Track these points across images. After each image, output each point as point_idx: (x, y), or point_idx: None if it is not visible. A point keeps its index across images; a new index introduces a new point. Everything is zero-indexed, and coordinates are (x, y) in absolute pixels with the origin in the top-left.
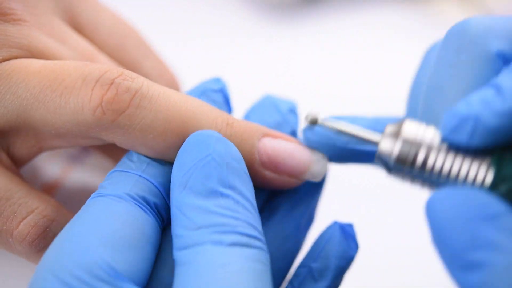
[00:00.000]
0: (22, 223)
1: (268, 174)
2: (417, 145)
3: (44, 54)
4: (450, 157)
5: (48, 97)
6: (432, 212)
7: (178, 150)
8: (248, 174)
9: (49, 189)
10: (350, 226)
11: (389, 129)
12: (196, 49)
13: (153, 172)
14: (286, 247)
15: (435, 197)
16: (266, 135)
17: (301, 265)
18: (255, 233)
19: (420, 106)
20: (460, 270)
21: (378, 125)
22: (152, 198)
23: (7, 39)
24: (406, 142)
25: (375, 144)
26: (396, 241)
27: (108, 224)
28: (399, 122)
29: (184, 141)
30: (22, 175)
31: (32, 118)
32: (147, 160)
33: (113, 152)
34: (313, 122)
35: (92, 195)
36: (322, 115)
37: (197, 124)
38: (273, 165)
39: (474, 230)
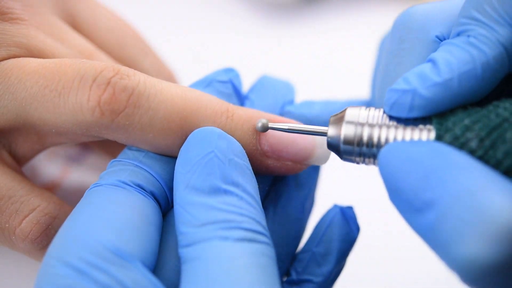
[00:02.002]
0: (24, 221)
1: (271, 163)
2: (360, 124)
3: (42, 52)
4: (392, 128)
5: (46, 97)
6: (384, 165)
7: (178, 146)
8: (251, 170)
9: (49, 189)
10: (350, 208)
11: (333, 118)
12: (194, 48)
13: (151, 162)
14: (294, 231)
15: (385, 150)
16: (264, 118)
17: (304, 250)
18: (259, 228)
19: (376, 95)
20: (414, 214)
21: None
22: (148, 187)
23: (5, 38)
24: (349, 124)
25: (324, 134)
26: (396, 222)
27: (109, 209)
28: (342, 111)
29: (184, 137)
30: (24, 174)
31: (32, 117)
32: (145, 150)
33: (113, 149)
34: (265, 128)
35: (91, 186)
36: (269, 122)
37: (196, 120)
38: (276, 154)
39: (423, 170)
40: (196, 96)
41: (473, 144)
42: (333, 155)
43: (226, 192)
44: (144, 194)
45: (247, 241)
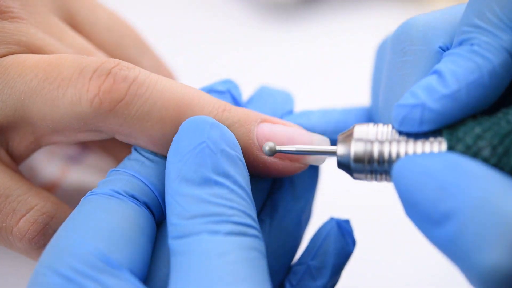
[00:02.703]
0: (21, 220)
1: (268, 159)
2: (369, 141)
3: (42, 50)
4: (403, 143)
5: (45, 89)
6: (398, 179)
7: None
8: (243, 161)
9: (48, 190)
10: (347, 222)
11: (341, 136)
12: (193, 48)
13: (147, 171)
14: (289, 243)
15: (398, 165)
16: (264, 120)
17: (299, 263)
18: (249, 221)
19: (379, 109)
20: (433, 226)
21: (348, 115)
22: (142, 197)
23: (5, 36)
24: (358, 141)
25: (333, 153)
26: (391, 236)
27: (100, 219)
28: (350, 129)
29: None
30: (22, 173)
31: (30, 112)
32: (143, 159)
33: (112, 150)
34: (273, 151)
35: (86, 194)
36: (276, 145)
37: (193, 110)
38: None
39: (439, 182)
40: (195, 90)
41: (486, 152)
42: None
43: (217, 183)
44: (137, 204)
45: (237, 235)
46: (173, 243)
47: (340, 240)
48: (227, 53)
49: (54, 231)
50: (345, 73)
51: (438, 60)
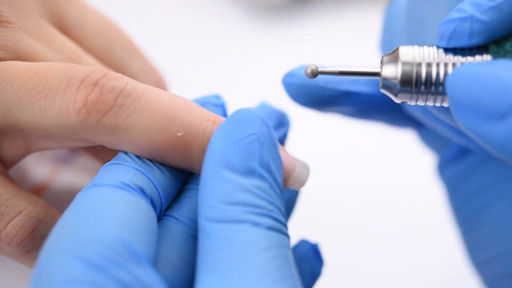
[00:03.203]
0: (10, 224)
1: None
2: (416, 62)
3: (30, 56)
4: (450, 62)
5: (33, 99)
6: (454, 85)
7: (164, 148)
8: (281, 160)
9: (37, 191)
10: (317, 245)
11: (386, 57)
12: (184, 51)
13: (149, 169)
14: None
15: (453, 73)
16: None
17: None
18: (283, 220)
19: (401, 43)
20: (497, 121)
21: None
22: (148, 191)
23: None
24: (405, 63)
25: (377, 75)
26: (359, 255)
27: (118, 208)
28: (393, 50)
29: (168, 137)
30: (10, 177)
31: (18, 121)
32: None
33: (101, 154)
34: (315, 74)
35: (87, 186)
36: (319, 66)
37: (182, 121)
38: None
39: (501, 77)
40: (184, 101)
41: None
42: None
43: (261, 176)
44: (146, 198)
45: (276, 231)
46: (211, 225)
47: (313, 263)
48: (218, 55)
49: (42, 235)
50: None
51: None
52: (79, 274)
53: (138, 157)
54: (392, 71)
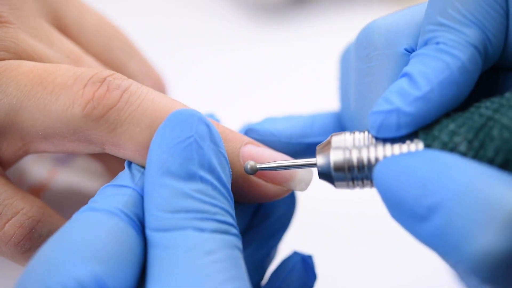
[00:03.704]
0: (7, 224)
1: (252, 177)
2: (347, 148)
3: (31, 56)
4: (380, 148)
5: (39, 93)
6: (380, 181)
7: None
8: (226, 157)
9: (36, 192)
10: (310, 257)
11: (319, 147)
12: (182, 51)
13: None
14: (255, 278)
15: (379, 167)
16: (250, 142)
17: None
18: (231, 220)
19: (352, 116)
20: (419, 223)
21: (314, 120)
22: (142, 214)
23: None
24: (336, 149)
25: (314, 165)
26: (355, 268)
27: (100, 239)
28: (327, 139)
29: None
30: (8, 177)
31: (21, 117)
32: (142, 170)
33: (101, 155)
34: (254, 170)
35: (83, 209)
36: (257, 163)
37: None
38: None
39: (420, 177)
40: (184, 105)
41: (462, 147)
42: (313, 185)
43: (201, 179)
44: (137, 226)
45: (221, 233)
46: (154, 235)
47: (303, 275)
48: (216, 55)
49: (40, 235)
50: (336, 73)
51: (405, 63)
52: None
53: (138, 170)
54: (325, 160)
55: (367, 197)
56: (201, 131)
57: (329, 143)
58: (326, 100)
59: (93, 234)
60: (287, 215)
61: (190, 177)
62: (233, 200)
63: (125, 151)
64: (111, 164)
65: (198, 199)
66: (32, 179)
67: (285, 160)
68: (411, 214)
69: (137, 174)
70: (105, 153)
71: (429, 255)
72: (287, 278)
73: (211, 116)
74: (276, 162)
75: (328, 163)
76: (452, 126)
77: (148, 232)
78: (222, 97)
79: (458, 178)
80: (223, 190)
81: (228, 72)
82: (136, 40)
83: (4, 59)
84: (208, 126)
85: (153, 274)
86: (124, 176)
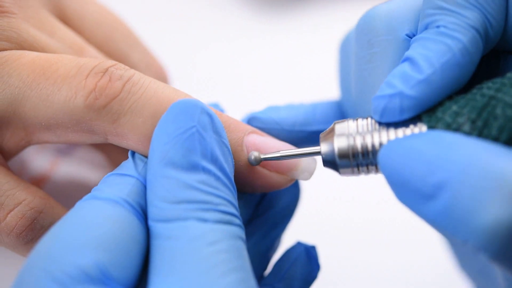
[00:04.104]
0: (9, 215)
1: (257, 168)
2: (351, 135)
3: (33, 46)
4: (384, 132)
5: (41, 84)
6: (385, 163)
7: None
8: (229, 147)
9: (38, 183)
10: (313, 248)
11: (323, 135)
12: (184, 41)
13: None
14: (259, 267)
15: (383, 150)
16: (253, 132)
17: (265, 283)
18: (234, 210)
19: (354, 103)
20: (426, 202)
21: (316, 108)
22: (143, 203)
23: None
24: (340, 137)
25: (318, 153)
26: (357, 259)
27: (104, 227)
28: (330, 127)
29: None
30: (10, 168)
31: (23, 108)
32: (145, 159)
33: (103, 145)
34: (258, 161)
35: (86, 197)
36: (261, 153)
37: None
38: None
39: (425, 156)
40: (185, 94)
41: (466, 127)
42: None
43: (204, 170)
44: (140, 215)
45: (225, 223)
46: (156, 226)
47: (307, 266)
48: (218, 45)
49: (42, 226)
50: (332, 68)
51: (406, 48)
52: None
53: (141, 163)
54: (329, 147)
55: (369, 187)
56: (204, 121)
57: (332, 130)
58: (327, 90)
59: (97, 222)
60: (291, 205)
61: (193, 167)
62: (236, 190)
63: (128, 141)
64: (113, 155)
65: (201, 190)
66: (33, 170)
67: (289, 149)
68: (417, 194)
69: (141, 164)
70: (108, 143)
71: (433, 246)
72: (290, 268)
73: (215, 105)
74: (280, 152)
75: (332, 151)
76: (455, 107)
77: (151, 223)
78: (224, 87)
79: (463, 155)
80: (226, 180)
81: (230, 62)
82: (138, 31)
83: (6, 49)
84: (210, 116)
85: (155, 264)
86: (127, 166)
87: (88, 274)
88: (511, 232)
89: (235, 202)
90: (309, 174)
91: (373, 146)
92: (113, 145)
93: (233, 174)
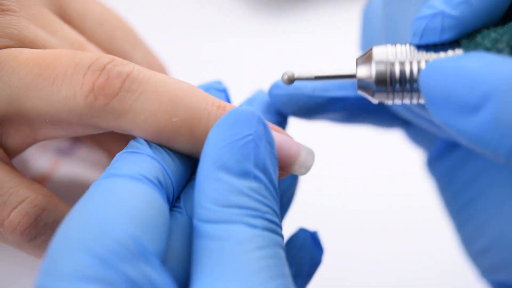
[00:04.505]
0: (13, 213)
1: None
2: (390, 61)
3: (34, 44)
4: (423, 56)
5: (40, 85)
6: (427, 80)
7: (169, 131)
8: (277, 159)
9: (39, 182)
10: (316, 233)
11: (360, 59)
12: (186, 41)
13: (161, 156)
14: None
15: (426, 69)
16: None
17: None
18: (278, 221)
19: (379, 41)
20: (470, 114)
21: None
22: (164, 182)
23: None
24: (379, 62)
25: (353, 76)
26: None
27: (133, 202)
28: (367, 51)
29: (174, 119)
30: (13, 166)
31: (25, 107)
32: (152, 143)
33: (104, 143)
34: (291, 80)
35: (104, 175)
36: (296, 71)
37: (187, 105)
38: None
39: (471, 70)
40: (189, 86)
41: (506, 52)
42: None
43: (256, 178)
44: (162, 191)
45: (271, 231)
46: (204, 226)
47: (313, 251)
48: (220, 45)
49: (46, 223)
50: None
51: None
52: (88, 270)
53: (149, 143)
54: (366, 72)
55: (365, 176)
56: (260, 131)
57: (370, 54)
58: None
59: (124, 197)
60: (287, 194)
61: (246, 174)
62: (279, 200)
63: (133, 134)
64: (115, 153)
65: (251, 197)
66: (34, 170)
67: (324, 70)
68: (460, 108)
69: (151, 144)
70: (109, 141)
71: (434, 234)
72: (299, 253)
73: (218, 83)
74: (315, 73)
75: (370, 76)
76: (494, 35)
77: (197, 222)
78: (226, 86)
79: (508, 67)
80: (273, 190)
81: (233, 62)
82: (140, 30)
83: (7, 46)
84: (265, 126)
85: (201, 264)
86: (137, 145)
87: (127, 247)
88: None
89: (279, 213)
90: (306, 170)
91: (411, 72)
92: (115, 143)
93: (277, 184)
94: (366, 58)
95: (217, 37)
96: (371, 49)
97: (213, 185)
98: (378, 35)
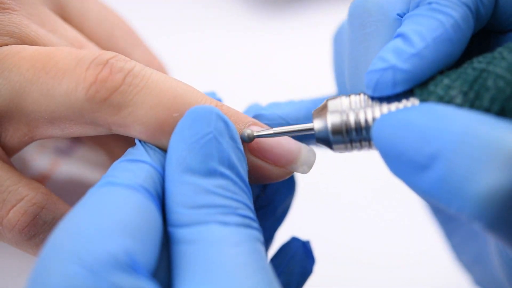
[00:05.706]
0: (11, 211)
1: (255, 160)
2: (344, 111)
3: (35, 42)
4: (377, 107)
5: (41, 78)
6: (378, 136)
7: (168, 126)
8: (243, 153)
9: (39, 182)
10: (308, 243)
11: (316, 111)
12: (184, 40)
13: (158, 161)
14: None
15: (377, 124)
16: (254, 123)
17: None
18: (251, 214)
19: (347, 86)
20: (420, 172)
21: (316, 104)
22: (160, 189)
23: None
24: (333, 113)
25: (311, 130)
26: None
27: (127, 213)
28: (322, 104)
29: (174, 114)
30: (13, 164)
31: (25, 103)
32: (153, 147)
33: (104, 143)
34: (251, 138)
35: (100, 183)
36: (254, 130)
37: (187, 101)
38: (261, 152)
39: (419, 128)
40: (188, 85)
41: (458, 100)
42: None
43: (222, 175)
44: (156, 202)
45: (245, 226)
46: (178, 231)
47: (304, 261)
48: (218, 44)
49: (44, 221)
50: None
51: (398, 27)
52: (77, 281)
53: (147, 150)
54: (322, 123)
55: (361, 186)
56: (220, 127)
57: (325, 107)
58: (324, 87)
59: (119, 208)
60: (288, 199)
61: (211, 173)
62: (251, 194)
63: (132, 132)
64: (115, 154)
65: (220, 195)
66: (34, 170)
67: (282, 127)
68: (411, 166)
69: (150, 150)
70: (109, 141)
71: (428, 238)
72: (289, 263)
73: (212, 94)
74: (274, 129)
75: (326, 127)
76: (446, 81)
77: (171, 229)
78: (225, 86)
79: (457, 125)
80: (242, 185)
81: (231, 61)
82: (138, 29)
83: (7, 44)
84: (225, 122)
85: (180, 270)
86: (137, 152)
87: (118, 259)
88: (506, 199)
89: (252, 206)
90: (307, 168)
91: (366, 121)
92: (115, 143)
93: (247, 177)
94: (321, 111)
95: (216, 37)
96: (326, 102)
97: (180, 188)
98: (344, 65)
